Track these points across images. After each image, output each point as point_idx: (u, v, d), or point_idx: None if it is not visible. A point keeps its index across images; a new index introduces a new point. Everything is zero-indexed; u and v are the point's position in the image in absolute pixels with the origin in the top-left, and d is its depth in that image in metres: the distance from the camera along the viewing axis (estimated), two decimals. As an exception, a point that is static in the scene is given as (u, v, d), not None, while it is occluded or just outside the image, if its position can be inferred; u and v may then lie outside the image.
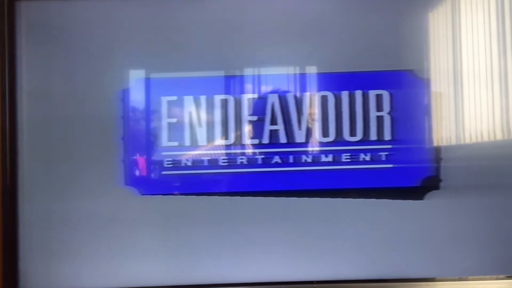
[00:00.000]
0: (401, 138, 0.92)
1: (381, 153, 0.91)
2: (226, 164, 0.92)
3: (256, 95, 0.93)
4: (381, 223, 0.92)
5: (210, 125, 0.92)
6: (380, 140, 0.92)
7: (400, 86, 0.92)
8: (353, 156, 0.91)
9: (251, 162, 0.92)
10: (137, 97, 0.92)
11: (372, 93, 0.92)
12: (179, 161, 0.92)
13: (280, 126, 0.92)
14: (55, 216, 0.91)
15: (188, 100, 0.92)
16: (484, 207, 0.91)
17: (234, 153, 0.92)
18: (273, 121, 0.92)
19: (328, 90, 0.92)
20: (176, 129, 0.92)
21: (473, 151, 0.93)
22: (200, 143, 0.92)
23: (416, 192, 0.91)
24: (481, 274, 0.91)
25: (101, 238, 0.91)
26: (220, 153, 0.92)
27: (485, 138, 0.93)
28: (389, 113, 0.92)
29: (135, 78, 0.92)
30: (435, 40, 0.94)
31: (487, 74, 0.93)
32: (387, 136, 0.92)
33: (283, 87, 0.93)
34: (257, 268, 0.91)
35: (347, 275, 0.91)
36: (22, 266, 0.91)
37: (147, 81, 0.92)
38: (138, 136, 0.92)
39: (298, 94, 0.93)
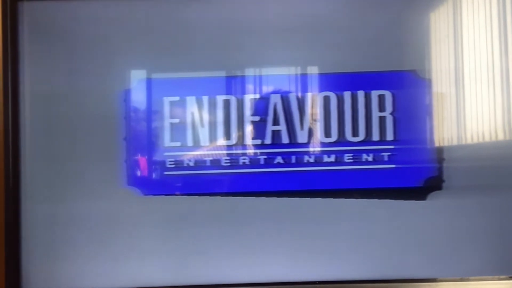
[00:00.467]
0: (403, 139, 0.92)
1: (383, 154, 0.91)
2: (229, 164, 0.92)
3: (258, 96, 0.93)
4: (383, 224, 0.92)
5: (212, 126, 0.92)
6: (382, 141, 0.92)
7: (402, 86, 0.92)
8: (355, 157, 0.91)
9: (254, 162, 0.92)
10: (139, 98, 0.92)
11: (374, 94, 0.92)
12: (182, 162, 0.92)
13: (282, 127, 0.92)
14: (58, 216, 0.91)
15: (191, 101, 0.92)
16: (487, 208, 0.91)
17: (237, 153, 0.92)
18: (276, 122, 0.92)
19: (331, 91, 0.92)
20: (178, 129, 0.92)
21: (476, 152, 0.93)
22: (202, 144, 0.92)
23: (418, 192, 0.91)
24: (483, 275, 0.91)
25: (104, 238, 0.91)
26: (222, 154, 0.92)
27: (487, 139, 0.93)
28: (391, 114, 0.92)
29: (138, 78, 0.92)
30: (437, 41, 0.94)
31: (489, 75, 0.93)
32: (389, 136, 0.92)
33: (285, 88, 0.93)
34: (259, 268, 0.91)
35: (349, 275, 0.91)
36: (25, 266, 0.91)
37: (150, 82, 0.92)
38: (141, 137, 0.92)
39: (300, 95, 0.93)
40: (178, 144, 0.92)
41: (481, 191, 0.91)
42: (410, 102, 0.92)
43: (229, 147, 0.92)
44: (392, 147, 0.92)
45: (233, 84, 0.93)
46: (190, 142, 0.92)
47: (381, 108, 0.92)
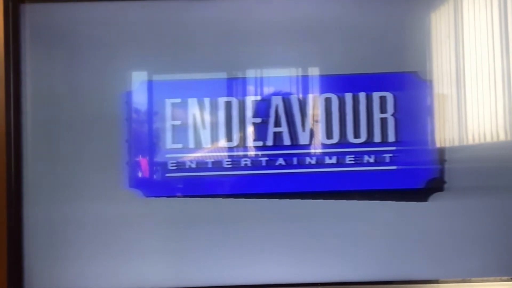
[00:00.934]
0: (405, 140, 0.92)
1: (385, 155, 0.91)
2: (230, 166, 0.92)
3: (260, 97, 0.93)
4: (385, 225, 0.92)
5: (214, 127, 0.92)
6: (384, 142, 0.92)
7: (403, 88, 0.92)
8: (357, 158, 0.91)
9: (255, 164, 0.92)
10: (141, 100, 0.92)
11: (376, 95, 0.92)
12: (183, 163, 0.92)
13: (284, 128, 0.92)
14: (60, 218, 0.91)
15: (192, 103, 0.92)
16: (488, 209, 0.91)
17: (238, 155, 0.92)
18: (277, 123, 0.92)
19: (332, 92, 0.92)
20: (180, 131, 0.92)
21: (477, 153, 0.93)
22: (204, 145, 0.92)
23: (420, 194, 0.91)
24: (485, 276, 0.91)
25: (105, 239, 0.91)
26: (224, 155, 0.92)
27: (489, 140, 0.93)
28: (393, 115, 0.92)
29: (139, 80, 0.93)
30: (438, 42, 0.94)
31: (490, 76, 0.93)
32: (391, 138, 0.92)
33: (287, 89, 0.93)
34: (261, 270, 0.91)
35: (351, 277, 0.91)
36: (27, 268, 0.91)
37: (151, 84, 0.93)
38: (142, 139, 0.92)
39: (301, 96, 0.93)
40: (179, 146, 0.92)
41: (483, 192, 0.91)
42: (411, 103, 0.92)
43: (230, 148, 0.92)
44: (393, 148, 0.92)
45: (235, 86, 0.93)
46: (191, 144, 0.92)
47: (383, 109, 0.92)
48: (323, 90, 0.93)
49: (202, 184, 0.92)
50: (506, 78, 0.93)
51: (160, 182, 0.92)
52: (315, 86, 0.93)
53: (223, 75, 0.93)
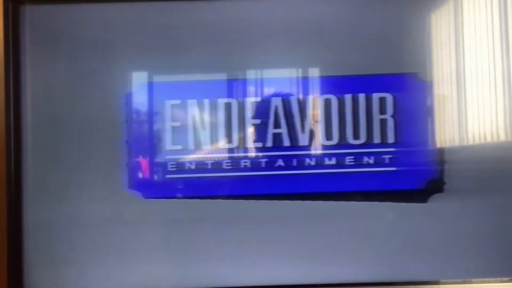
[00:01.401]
0: (404, 141, 0.92)
1: (384, 156, 0.91)
2: (230, 167, 0.92)
3: (259, 99, 0.93)
4: (384, 226, 0.92)
5: (213, 129, 0.92)
6: (383, 143, 0.92)
7: (403, 89, 0.92)
8: (356, 159, 0.91)
9: (255, 165, 0.92)
10: (141, 101, 0.92)
11: (375, 96, 0.92)
12: (183, 165, 0.92)
13: (283, 130, 0.92)
14: (59, 219, 0.91)
15: (192, 104, 0.92)
16: (488, 210, 0.91)
17: (238, 156, 0.92)
18: (277, 125, 0.92)
19: (332, 93, 0.92)
20: (180, 132, 0.92)
21: (477, 154, 0.93)
22: (204, 147, 0.92)
23: (420, 195, 0.91)
24: (485, 277, 0.91)
25: (105, 241, 0.91)
26: (223, 157, 0.92)
27: (489, 141, 0.93)
28: (392, 116, 0.92)
29: (139, 82, 0.93)
30: (438, 43, 0.93)
31: (490, 77, 0.93)
32: (390, 139, 0.92)
33: (287, 90, 0.93)
34: (261, 271, 0.91)
35: (351, 278, 0.91)
36: (27, 269, 0.91)
37: (151, 85, 0.93)
38: (142, 140, 0.92)
39: (301, 97, 0.93)
40: (179, 147, 0.92)
41: (483, 194, 0.91)
42: (411, 104, 0.92)
43: (230, 150, 0.92)
44: (393, 149, 0.92)
45: (234, 87, 0.93)
46: (191, 145, 0.92)
47: (382, 110, 0.92)
48: (322, 91, 0.93)
49: (202, 186, 0.92)
50: (507, 79, 0.93)
51: (160, 183, 0.92)
52: (314, 87, 0.93)
53: (222, 76, 0.93)
